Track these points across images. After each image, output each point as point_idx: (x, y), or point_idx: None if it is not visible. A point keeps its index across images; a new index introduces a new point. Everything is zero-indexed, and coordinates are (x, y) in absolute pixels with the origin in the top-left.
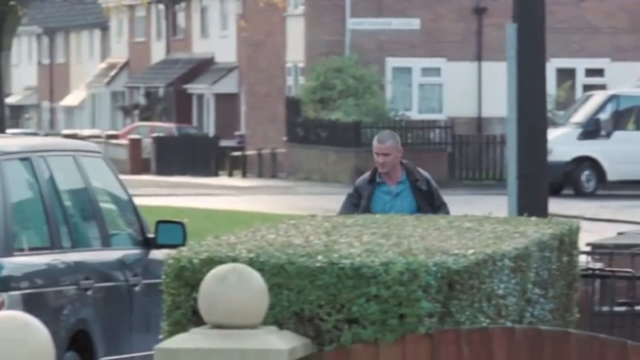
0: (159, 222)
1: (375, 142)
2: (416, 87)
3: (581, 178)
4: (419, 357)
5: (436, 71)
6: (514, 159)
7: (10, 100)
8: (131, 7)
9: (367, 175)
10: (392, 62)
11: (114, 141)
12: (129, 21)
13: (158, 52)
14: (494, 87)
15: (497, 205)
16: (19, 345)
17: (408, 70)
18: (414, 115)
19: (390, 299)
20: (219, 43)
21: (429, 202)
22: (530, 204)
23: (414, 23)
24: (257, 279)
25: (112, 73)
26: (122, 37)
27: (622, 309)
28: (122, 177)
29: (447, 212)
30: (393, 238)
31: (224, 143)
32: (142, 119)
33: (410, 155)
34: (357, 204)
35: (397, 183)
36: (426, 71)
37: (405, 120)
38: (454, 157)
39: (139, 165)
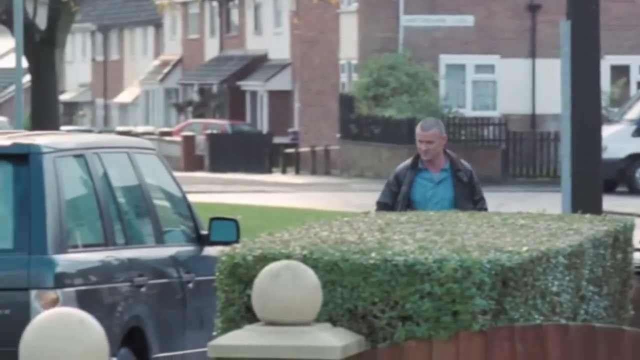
0: (213, 219)
1: (418, 129)
2: (470, 84)
3: (635, 175)
4: (472, 354)
5: (490, 68)
6: (568, 156)
7: (64, 97)
8: (185, 4)
9: (408, 161)
10: (445, 59)
11: (167, 138)
12: (183, 18)
13: (212, 49)
14: (547, 84)
15: (551, 203)
16: (73, 341)
17: (462, 67)
18: (468, 112)
19: (444, 296)
20: (273, 40)
21: (468, 195)
22: (585, 201)
23: (468, 20)
24: (310, 276)
25: (166, 70)
26: (175, 34)
27: None
28: (176, 174)
29: (485, 208)
30: (447, 235)
31: (277, 140)
32: (196, 115)
33: (463, 152)
34: (397, 192)
35: (440, 171)
36: (480, 68)
37: (459, 117)
38: (507, 154)
39: (192, 162)
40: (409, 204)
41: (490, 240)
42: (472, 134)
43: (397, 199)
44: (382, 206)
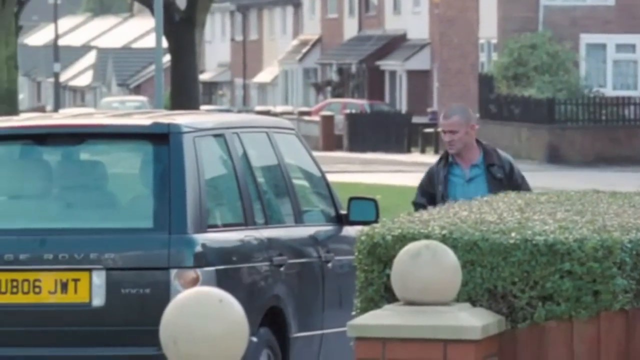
0: (352, 199)
1: (440, 117)
2: (610, 64)
3: None
4: (613, 334)
5: (631, 47)
6: None
7: (203, 77)
8: None
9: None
10: (586, 38)
11: (306, 118)
12: None
13: (350, 28)
14: None
15: None
16: (213, 321)
17: (602, 46)
18: (609, 92)
19: (585, 275)
20: (412, 19)
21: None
22: None
23: None
24: (450, 256)
25: (305, 50)
26: (314, 14)
27: None
28: (315, 153)
29: None
30: (587, 215)
31: (416, 119)
32: (335, 95)
33: (604, 132)
34: (433, 192)
35: (472, 166)
36: (621, 47)
37: (600, 97)
38: None
39: (331, 142)
40: None
41: (631, 221)
42: (613, 113)
43: (434, 200)
44: (419, 207)
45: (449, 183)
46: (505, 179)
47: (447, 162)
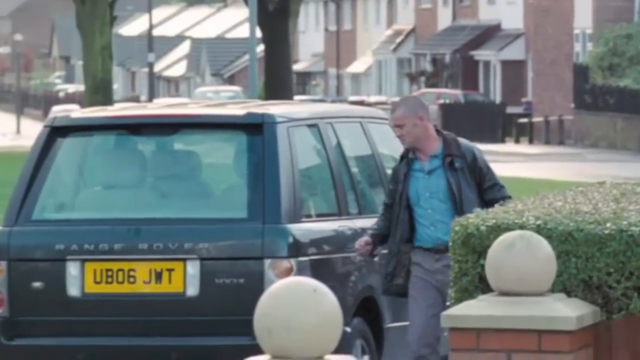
0: None
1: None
2: None
3: None
4: None
5: None
6: None
7: (297, 67)
8: None
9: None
10: None
11: None
12: None
13: (444, 18)
14: None
15: None
16: (307, 311)
17: None
18: None
19: None
20: (506, 9)
21: (472, 183)
22: None
23: None
24: (544, 246)
25: (398, 40)
26: (408, 4)
27: None
28: None
29: (504, 197)
30: None
31: (510, 110)
32: (428, 85)
33: None
34: (395, 190)
35: (431, 158)
36: None
37: None
38: None
39: None
40: (408, 204)
41: None
42: None
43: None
44: (384, 207)
45: (410, 179)
46: (467, 169)
47: (408, 158)
